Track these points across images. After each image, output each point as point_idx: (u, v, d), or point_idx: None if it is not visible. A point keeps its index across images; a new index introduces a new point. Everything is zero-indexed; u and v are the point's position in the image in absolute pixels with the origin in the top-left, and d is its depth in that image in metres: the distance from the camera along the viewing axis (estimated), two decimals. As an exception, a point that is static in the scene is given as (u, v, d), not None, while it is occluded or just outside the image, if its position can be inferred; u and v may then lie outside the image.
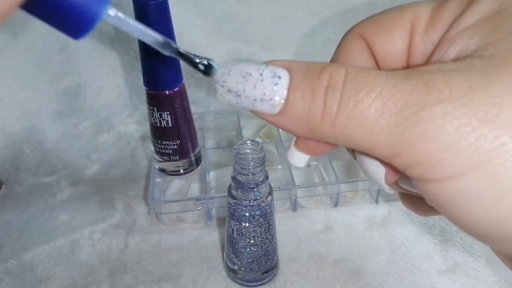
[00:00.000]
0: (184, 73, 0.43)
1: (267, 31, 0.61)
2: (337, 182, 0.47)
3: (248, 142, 0.34)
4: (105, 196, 0.52)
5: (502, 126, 0.13)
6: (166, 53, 0.18)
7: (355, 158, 0.20)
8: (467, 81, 0.14)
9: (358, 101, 0.15)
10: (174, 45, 0.18)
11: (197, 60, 0.18)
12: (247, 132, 0.58)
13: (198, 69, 0.18)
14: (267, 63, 0.18)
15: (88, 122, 0.62)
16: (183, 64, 0.42)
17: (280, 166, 0.53)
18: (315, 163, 0.54)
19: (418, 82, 0.15)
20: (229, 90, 0.17)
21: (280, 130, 0.56)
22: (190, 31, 0.58)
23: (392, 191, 0.19)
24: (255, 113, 0.18)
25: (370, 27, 0.19)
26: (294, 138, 0.19)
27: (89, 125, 0.62)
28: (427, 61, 0.18)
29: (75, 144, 0.60)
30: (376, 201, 0.49)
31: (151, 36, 0.18)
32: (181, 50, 0.18)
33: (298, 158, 0.19)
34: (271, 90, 0.17)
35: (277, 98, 0.17)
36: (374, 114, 0.15)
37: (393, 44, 0.19)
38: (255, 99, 0.17)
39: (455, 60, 0.15)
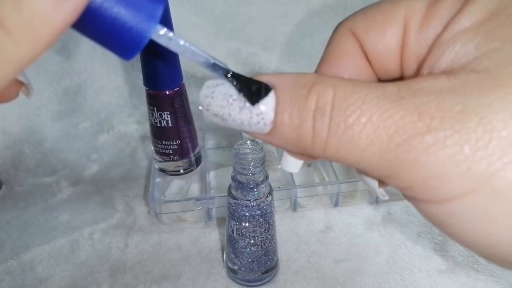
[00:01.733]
0: (184, 73, 0.43)
1: (267, 31, 0.61)
2: (337, 182, 0.47)
3: (248, 142, 0.34)
4: (105, 196, 0.52)
5: (493, 154, 0.13)
6: (216, 74, 0.17)
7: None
8: (460, 104, 0.14)
9: (348, 127, 0.15)
10: (224, 67, 0.17)
11: (254, 86, 0.17)
12: (247, 132, 0.58)
13: (253, 94, 0.17)
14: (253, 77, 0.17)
15: (88, 122, 0.62)
16: (183, 64, 0.42)
17: (280, 166, 0.53)
18: (315, 163, 0.54)
19: (410, 107, 0.14)
20: (214, 114, 0.17)
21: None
22: (190, 31, 0.58)
23: (387, 197, 0.19)
24: (245, 133, 0.17)
25: (362, 24, 0.18)
26: None
27: (89, 125, 0.62)
28: (421, 64, 0.17)
29: (75, 144, 0.60)
30: (376, 201, 0.49)
31: (202, 57, 0.17)
32: (232, 72, 0.17)
33: (292, 165, 0.19)
34: (257, 113, 0.16)
35: (264, 121, 0.16)
36: (365, 140, 0.15)
37: (385, 43, 0.18)
38: (242, 123, 0.17)
39: (449, 73, 0.15)
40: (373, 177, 0.16)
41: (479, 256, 0.16)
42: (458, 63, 0.15)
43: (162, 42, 0.16)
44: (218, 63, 0.17)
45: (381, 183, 0.18)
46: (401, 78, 0.19)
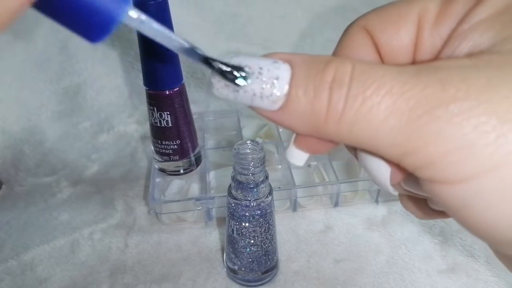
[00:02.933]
0: (184, 73, 0.43)
1: (267, 31, 0.61)
2: (337, 182, 0.47)
3: (248, 142, 0.34)
4: (105, 196, 0.52)
5: None
6: (192, 59, 0.17)
7: (356, 157, 0.19)
8: (484, 78, 0.13)
9: (367, 98, 0.14)
10: (200, 52, 0.17)
11: (227, 69, 0.16)
12: (247, 132, 0.58)
13: (228, 79, 0.16)
14: (268, 55, 0.17)
15: (88, 122, 0.62)
16: (183, 64, 0.42)
17: (280, 166, 0.53)
18: (315, 163, 0.54)
19: (432, 79, 0.14)
20: (226, 85, 0.16)
21: (281, 130, 0.56)
22: (190, 31, 0.58)
23: (396, 192, 0.18)
24: (253, 109, 0.17)
25: (376, 21, 0.18)
26: (294, 136, 0.18)
27: (89, 125, 0.62)
28: (436, 57, 0.17)
29: (75, 144, 0.60)
30: (376, 201, 0.49)
31: (176, 41, 0.16)
32: (208, 56, 0.17)
33: (298, 157, 0.18)
34: (271, 84, 0.16)
35: (277, 94, 0.16)
36: (384, 112, 0.14)
37: (399, 39, 0.18)
38: (254, 94, 0.16)
39: (470, 55, 0.15)
40: (387, 157, 0.15)
41: (492, 244, 0.15)
42: (477, 49, 0.15)
43: (134, 25, 0.15)
44: (194, 48, 0.17)
45: (393, 177, 0.17)
46: None
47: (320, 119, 0.15)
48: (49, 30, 0.57)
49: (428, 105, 0.13)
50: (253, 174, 0.34)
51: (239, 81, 0.16)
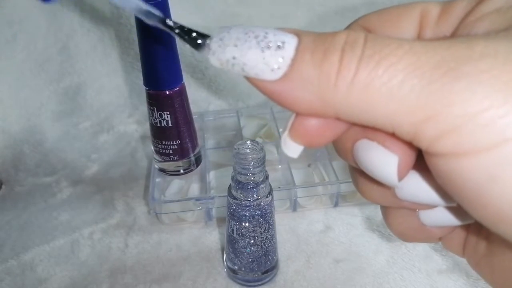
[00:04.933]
0: (184, 73, 0.43)
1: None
2: (337, 182, 0.47)
3: (248, 142, 0.34)
4: (105, 196, 0.52)
5: None
6: (151, 23, 0.16)
7: (349, 161, 0.17)
8: (510, 41, 0.12)
9: (384, 57, 0.13)
10: (159, 14, 0.16)
11: (187, 35, 0.15)
12: (247, 132, 0.58)
13: (190, 43, 0.15)
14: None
15: (88, 122, 0.62)
16: (183, 64, 0.42)
17: (280, 166, 0.53)
18: (315, 163, 0.54)
19: (455, 41, 0.13)
20: (226, 47, 0.15)
21: (281, 130, 0.56)
22: (190, 31, 0.58)
23: (403, 190, 0.16)
24: (252, 82, 0.15)
25: (376, 20, 0.17)
26: (288, 125, 0.16)
27: (89, 125, 0.62)
28: None
29: (75, 144, 0.60)
30: (376, 201, 0.49)
31: (133, 3, 0.15)
32: (169, 20, 0.15)
33: (292, 148, 0.17)
34: (275, 46, 0.14)
35: (282, 58, 0.14)
36: (403, 71, 0.12)
37: (400, 36, 0.17)
38: (255, 58, 0.14)
39: (485, 35, 0.13)
40: (401, 129, 0.13)
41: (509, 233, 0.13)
42: (497, 28, 0.14)
43: None
44: (152, 10, 0.16)
45: (405, 160, 0.15)
46: None
47: (329, 83, 0.13)
48: (49, 30, 0.57)
49: (454, 62, 0.12)
50: (253, 174, 0.34)
51: (200, 40, 0.15)
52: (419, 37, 0.17)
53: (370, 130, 0.15)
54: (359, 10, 0.58)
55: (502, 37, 0.13)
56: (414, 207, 0.18)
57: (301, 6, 0.59)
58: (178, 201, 0.46)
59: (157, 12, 0.16)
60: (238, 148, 0.34)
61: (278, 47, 0.14)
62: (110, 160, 0.58)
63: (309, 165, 0.54)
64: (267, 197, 0.36)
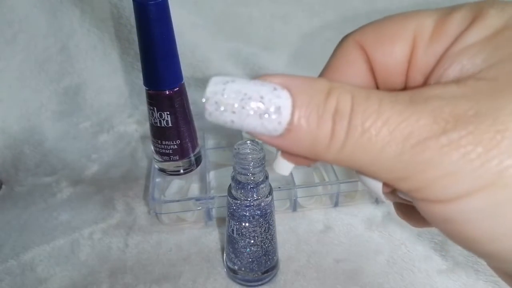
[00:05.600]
0: (184, 73, 0.43)
1: (267, 31, 0.61)
2: (337, 182, 0.47)
3: (248, 142, 0.34)
4: (105, 196, 0.52)
5: (505, 152, 0.14)
6: None
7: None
8: (472, 109, 0.14)
9: (366, 129, 0.15)
10: None
11: None
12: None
13: None
14: (263, 78, 0.16)
15: (88, 122, 0.62)
16: (183, 64, 0.42)
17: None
18: (315, 163, 0.54)
19: (424, 110, 0.15)
20: (222, 112, 0.16)
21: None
22: (190, 31, 0.58)
23: (387, 201, 0.19)
24: (252, 135, 0.17)
25: (371, 37, 0.19)
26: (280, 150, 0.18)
27: (89, 125, 0.62)
28: (427, 77, 0.18)
29: (75, 144, 0.60)
30: (376, 201, 0.49)
31: None
32: None
33: (284, 167, 0.19)
34: (272, 114, 0.16)
35: (279, 123, 0.16)
36: (381, 142, 0.15)
37: (393, 56, 0.18)
38: (254, 124, 0.16)
39: (458, 82, 0.16)
40: (384, 181, 0.16)
41: (479, 254, 0.17)
42: (465, 74, 0.16)
43: None
44: None
45: (385, 186, 0.18)
46: (403, 90, 0.19)
47: (322, 147, 0.16)
48: (49, 30, 0.57)
49: (421, 136, 0.15)
50: (253, 174, 0.34)
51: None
52: (412, 57, 0.18)
53: None
54: (359, 10, 0.58)
55: (466, 101, 0.15)
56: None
57: (301, 6, 0.59)
58: (178, 201, 0.46)
59: None
60: (238, 148, 0.34)
61: (274, 114, 0.16)
62: (110, 160, 0.58)
63: (309, 165, 0.54)
64: (267, 197, 0.36)
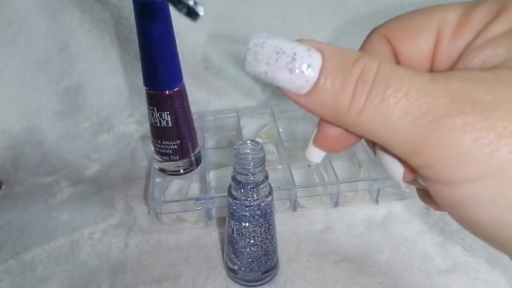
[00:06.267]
0: (184, 73, 0.43)
1: (267, 31, 0.61)
2: (337, 182, 0.47)
3: (248, 142, 0.34)
4: (105, 196, 0.52)
5: None
6: None
7: (375, 153, 0.21)
8: (490, 95, 0.15)
9: (385, 98, 0.16)
10: None
11: (180, 4, 0.18)
12: (247, 132, 0.58)
13: (181, 12, 0.18)
14: (301, 41, 0.18)
15: (88, 122, 0.62)
16: (183, 64, 0.42)
17: (280, 166, 0.53)
18: (315, 163, 0.54)
19: (444, 90, 0.15)
20: (259, 63, 0.17)
21: (281, 130, 0.56)
22: (190, 31, 0.58)
23: (408, 190, 0.20)
24: (280, 90, 0.18)
25: (396, 30, 0.19)
26: (313, 136, 0.20)
27: (89, 125, 0.62)
28: (451, 68, 0.18)
29: (75, 144, 0.60)
30: (376, 201, 0.49)
31: None
32: None
33: (315, 155, 0.20)
34: (302, 71, 0.17)
35: (306, 80, 0.17)
36: (398, 113, 0.16)
37: (418, 48, 0.19)
38: (284, 76, 0.17)
39: (481, 68, 0.16)
40: (397, 154, 0.17)
41: (484, 240, 0.17)
42: (489, 64, 0.16)
43: None
44: None
45: (407, 173, 0.19)
46: None
47: (343, 109, 0.17)
48: (49, 30, 0.57)
49: (437, 114, 0.15)
50: (253, 174, 0.34)
51: (194, 14, 0.18)
52: (436, 50, 0.19)
53: None
54: (359, 10, 0.58)
55: (486, 86, 0.15)
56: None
57: (301, 6, 0.59)
58: (178, 201, 0.46)
59: None
60: (238, 148, 0.34)
61: (304, 71, 0.17)
62: (110, 160, 0.58)
63: (309, 165, 0.54)
64: (267, 197, 0.36)
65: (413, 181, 0.20)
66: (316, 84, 0.17)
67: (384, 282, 0.40)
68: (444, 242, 0.44)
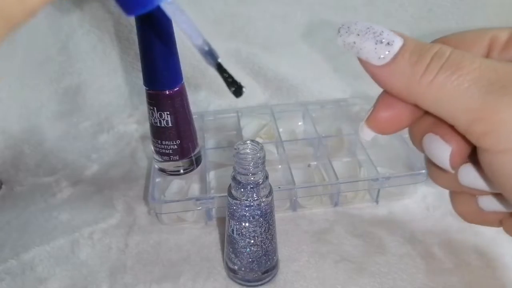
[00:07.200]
0: (184, 73, 0.43)
1: (267, 31, 0.61)
2: (337, 182, 0.47)
3: (248, 142, 0.34)
4: (105, 196, 0.52)
5: None
6: (206, 60, 0.20)
7: (419, 148, 0.22)
8: None
9: (458, 69, 0.17)
10: (216, 55, 0.20)
11: (231, 80, 0.21)
12: (247, 132, 0.58)
13: (229, 87, 0.21)
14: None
15: (88, 122, 0.62)
16: (183, 64, 0.42)
17: (280, 166, 0.53)
18: (315, 163, 0.54)
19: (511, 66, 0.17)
20: (350, 34, 0.20)
21: (281, 129, 0.56)
22: (190, 31, 0.58)
23: (463, 177, 0.21)
24: (362, 63, 0.20)
25: (454, 41, 0.21)
26: (367, 115, 0.22)
27: (89, 125, 0.62)
28: None
29: (75, 144, 0.60)
30: (376, 201, 0.49)
31: (199, 40, 0.21)
32: (221, 63, 0.20)
33: (366, 133, 0.22)
34: (386, 43, 0.19)
35: (389, 51, 0.19)
36: (468, 81, 0.17)
37: None
38: (369, 47, 0.20)
39: None
40: (459, 123, 0.18)
41: None
42: None
43: (169, 12, 0.19)
44: (212, 52, 0.21)
45: (456, 155, 0.20)
46: None
47: (415, 78, 0.18)
48: (49, 30, 0.57)
49: (506, 82, 0.17)
50: (253, 174, 0.34)
51: (236, 91, 0.21)
52: (488, 58, 0.21)
53: (436, 125, 0.20)
54: (359, 10, 0.58)
55: None
56: (473, 193, 0.22)
57: (301, 6, 0.59)
58: (178, 201, 0.46)
59: (215, 53, 0.21)
60: (238, 148, 0.34)
61: (388, 43, 0.19)
62: (110, 160, 0.58)
63: (309, 165, 0.54)
64: (267, 197, 0.36)
65: (455, 183, 0.21)
66: (396, 55, 0.19)
67: (384, 282, 0.40)
68: (444, 242, 0.44)
